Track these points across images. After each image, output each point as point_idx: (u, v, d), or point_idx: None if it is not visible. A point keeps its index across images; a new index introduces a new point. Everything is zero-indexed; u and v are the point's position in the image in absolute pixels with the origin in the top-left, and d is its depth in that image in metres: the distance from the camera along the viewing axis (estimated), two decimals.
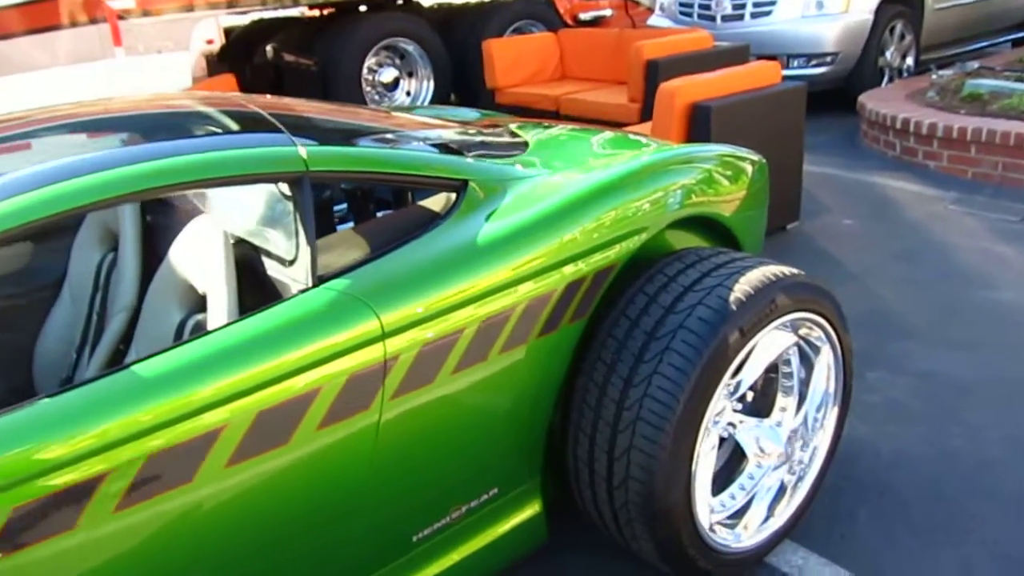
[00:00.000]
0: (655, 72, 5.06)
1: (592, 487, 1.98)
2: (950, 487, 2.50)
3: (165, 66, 5.27)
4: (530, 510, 2.00)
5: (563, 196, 1.95)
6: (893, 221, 4.65)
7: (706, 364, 1.84)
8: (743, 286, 1.93)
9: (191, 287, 1.85)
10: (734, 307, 1.89)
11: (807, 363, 2.28)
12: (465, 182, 1.95)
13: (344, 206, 2.41)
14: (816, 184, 5.24)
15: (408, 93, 6.94)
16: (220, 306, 1.70)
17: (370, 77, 6.70)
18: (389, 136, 2.13)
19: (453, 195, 1.93)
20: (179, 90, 5.13)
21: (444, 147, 2.15)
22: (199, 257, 1.81)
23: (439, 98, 6.94)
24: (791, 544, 2.30)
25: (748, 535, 2.16)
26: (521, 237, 1.83)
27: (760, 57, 5.66)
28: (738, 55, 5.55)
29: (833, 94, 6.92)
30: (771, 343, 2.13)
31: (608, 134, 2.71)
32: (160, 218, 2.24)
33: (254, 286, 1.80)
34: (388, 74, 6.80)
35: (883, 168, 5.51)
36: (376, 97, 6.79)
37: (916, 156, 5.33)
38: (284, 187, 1.74)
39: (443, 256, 1.74)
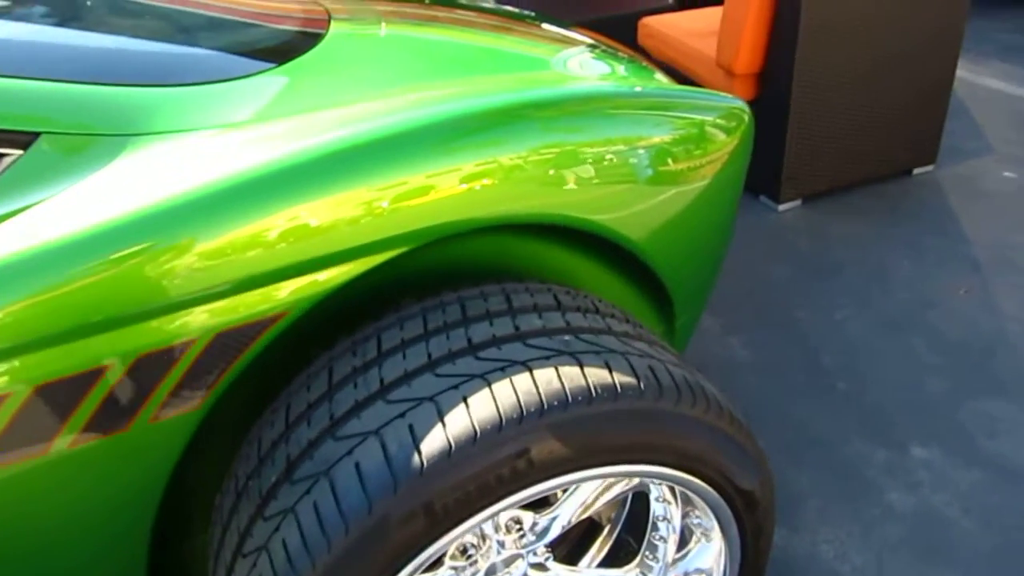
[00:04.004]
0: None
1: None
2: None
3: None
4: None
5: (176, 191, 1.04)
6: None
7: (340, 561, 0.95)
8: (467, 415, 0.97)
9: None
10: (424, 462, 0.95)
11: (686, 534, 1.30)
12: (35, 135, 1.08)
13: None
14: (986, 108, 3.75)
15: None
16: None
17: None
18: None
19: (13, 156, 1.08)
20: None
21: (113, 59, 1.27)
22: None
23: None
24: None
25: None
26: (21, 270, 0.97)
27: None
28: None
29: None
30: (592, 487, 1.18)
31: (543, 47, 1.69)
32: None
33: None
34: None
35: None
36: None
37: None
38: None
39: None
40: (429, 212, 1.14)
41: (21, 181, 1.04)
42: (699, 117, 1.47)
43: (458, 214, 1.17)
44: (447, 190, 1.15)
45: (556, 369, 1.01)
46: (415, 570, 0.99)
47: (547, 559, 1.30)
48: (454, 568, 1.22)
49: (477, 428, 0.95)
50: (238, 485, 1.10)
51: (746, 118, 1.56)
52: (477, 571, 1.23)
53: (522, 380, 0.99)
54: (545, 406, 0.97)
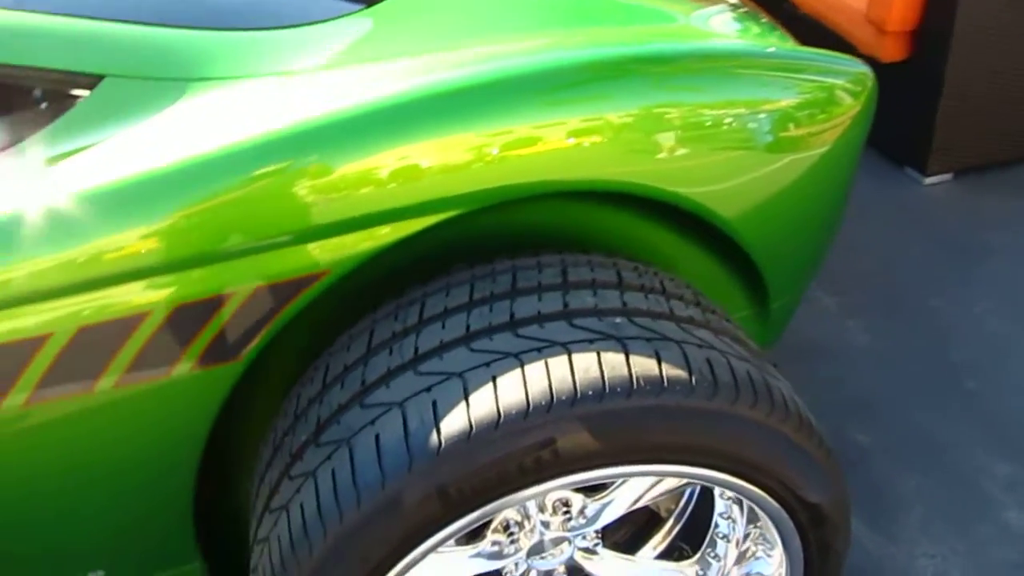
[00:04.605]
0: None
1: None
2: None
3: None
4: None
5: (221, 143, 1.01)
6: None
7: (351, 533, 0.92)
8: (493, 396, 0.91)
9: None
10: (442, 443, 0.89)
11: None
12: (98, 78, 1.08)
13: None
14: None
15: None
16: None
17: None
18: None
19: (78, 97, 1.09)
20: None
21: None
22: None
23: None
24: None
25: None
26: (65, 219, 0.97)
27: None
28: None
29: None
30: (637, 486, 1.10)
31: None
32: None
33: None
34: None
35: None
36: None
37: None
38: None
39: None
40: (533, 167, 1.09)
41: (82, 123, 1.05)
42: (829, 80, 1.33)
43: (559, 173, 1.11)
44: (552, 144, 1.09)
45: (598, 355, 0.93)
46: (433, 547, 0.95)
47: (596, 544, 1.24)
48: (496, 543, 1.18)
49: (501, 412, 0.89)
50: (276, 439, 1.09)
51: (870, 84, 1.39)
52: (519, 548, 1.18)
53: (558, 364, 0.92)
54: (578, 395, 0.90)
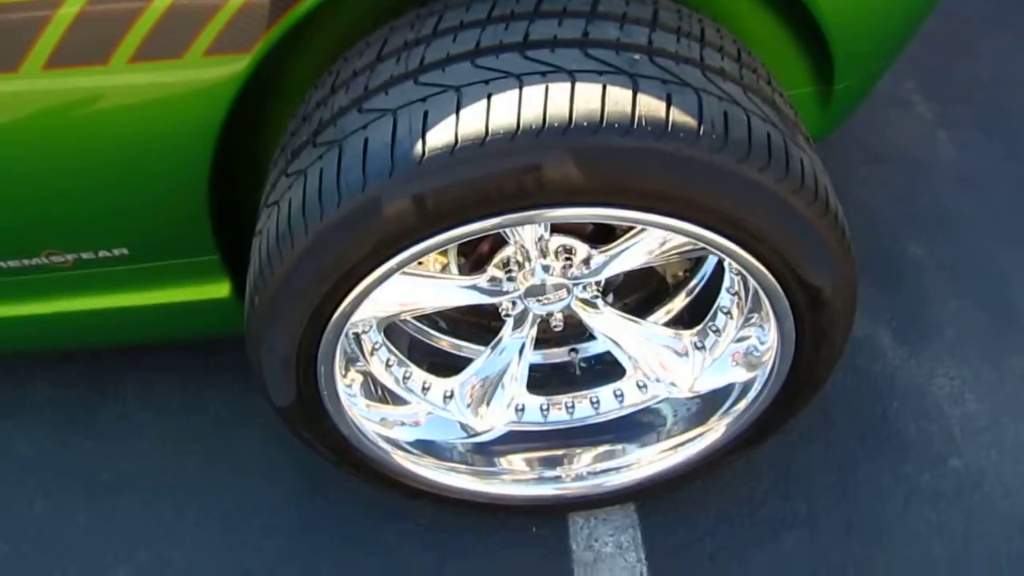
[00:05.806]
0: None
1: None
2: None
3: None
4: (198, 291, 1.36)
5: None
6: None
7: (330, 231, 0.92)
8: (484, 113, 0.86)
9: None
10: (425, 153, 0.86)
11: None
12: None
13: None
14: None
15: None
16: None
17: None
18: None
19: None
20: None
21: None
22: None
23: None
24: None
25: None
26: None
27: None
28: None
29: None
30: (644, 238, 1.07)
31: None
32: None
33: None
34: None
35: None
36: None
37: None
38: None
39: None
40: None
41: None
42: None
43: None
44: None
45: (603, 88, 0.86)
46: (408, 260, 0.96)
47: (596, 297, 1.24)
48: (494, 278, 1.19)
49: (489, 130, 0.85)
50: (284, 140, 1.09)
51: None
52: (517, 288, 1.19)
53: (558, 90, 0.86)
54: (572, 124, 0.85)
